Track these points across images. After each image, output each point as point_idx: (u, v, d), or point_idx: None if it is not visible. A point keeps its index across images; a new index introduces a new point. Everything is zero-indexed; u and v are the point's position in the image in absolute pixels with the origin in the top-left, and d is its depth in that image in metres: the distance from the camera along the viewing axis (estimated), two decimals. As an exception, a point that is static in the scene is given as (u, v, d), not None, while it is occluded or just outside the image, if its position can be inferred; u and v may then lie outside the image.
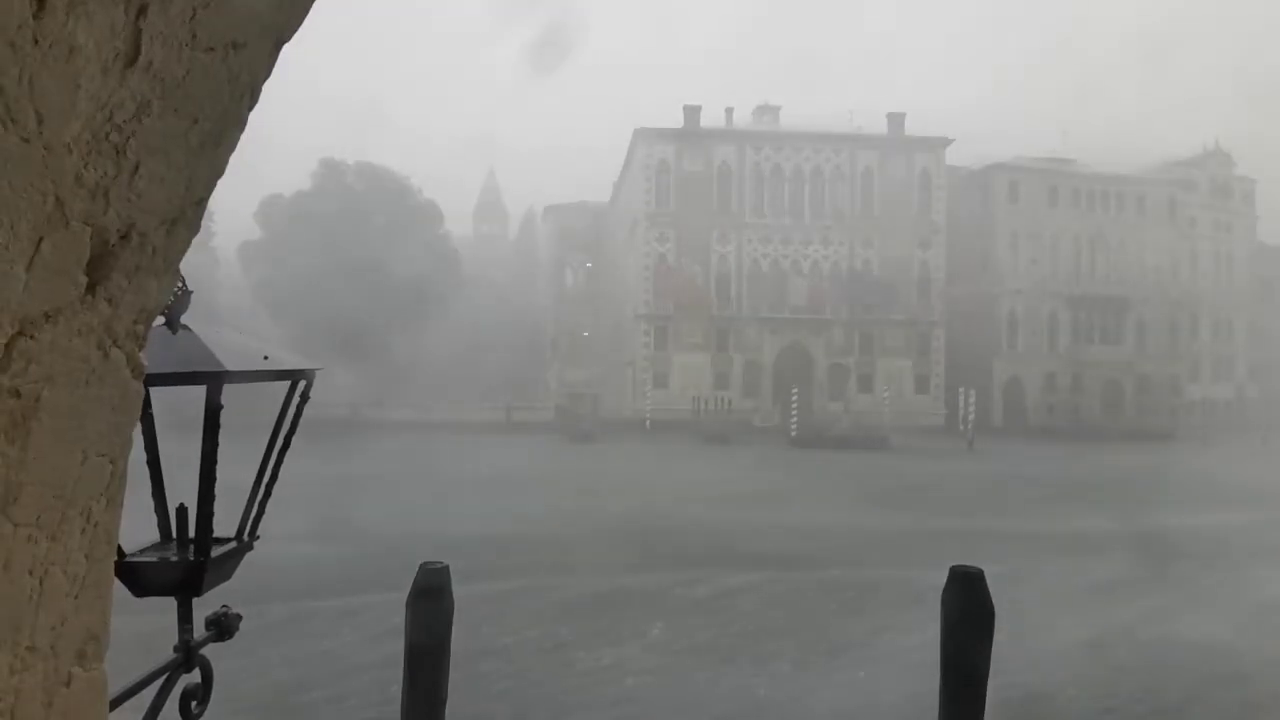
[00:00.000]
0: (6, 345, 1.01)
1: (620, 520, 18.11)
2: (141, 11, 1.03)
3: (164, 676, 1.63)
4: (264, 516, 1.89)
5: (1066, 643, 9.90)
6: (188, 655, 1.69)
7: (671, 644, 9.86)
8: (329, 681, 8.28)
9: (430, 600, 5.02)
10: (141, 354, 1.24)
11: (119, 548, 1.42)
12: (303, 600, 11.08)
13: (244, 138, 1.30)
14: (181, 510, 1.75)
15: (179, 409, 1.80)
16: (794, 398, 46.34)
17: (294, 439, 1.90)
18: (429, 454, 29.38)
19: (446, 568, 5.12)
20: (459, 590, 5.19)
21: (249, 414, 2.23)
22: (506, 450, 34.15)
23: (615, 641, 9.88)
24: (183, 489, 1.77)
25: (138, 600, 1.68)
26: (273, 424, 1.87)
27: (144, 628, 1.92)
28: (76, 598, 1.16)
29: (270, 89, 1.30)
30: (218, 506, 1.72)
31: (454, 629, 5.13)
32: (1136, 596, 12.29)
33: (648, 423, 46.58)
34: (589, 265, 70.00)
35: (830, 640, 10.15)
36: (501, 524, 16.91)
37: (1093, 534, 17.21)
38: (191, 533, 1.72)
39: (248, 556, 1.86)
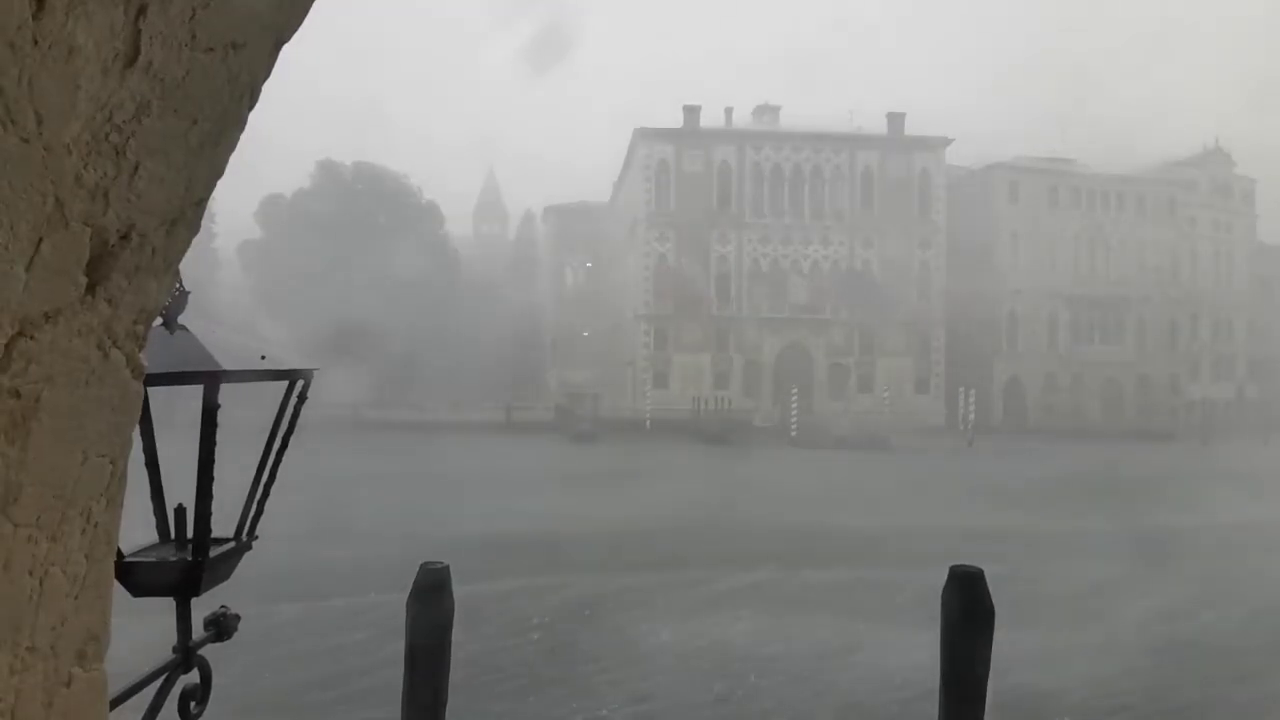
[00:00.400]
0: (6, 345, 1.01)
1: (621, 520, 18.08)
2: (141, 12, 1.03)
3: (163, 677, 1.62)
4: (262, 516, 1.89)
5: (1069, 643, 9.89)
6: (186, 656, 1.69)
7: (676, 644, 9.85)
8: (333, 681, 8.28)
9: (430, 600, 5.02)
10: (141, 354, 1.24)
11: (118, 548, 1.42)
12: (304, 600, 11.07)
13: (244, 138, 1.29)
14: (180, 510, 1.74)
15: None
16: (794, 398, 46.33)
17: (292, 439, 1.90)
18: (429, 454, 29.36)
19: (447, 568, 5.12)
20: (459, 590, 5.20)
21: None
22: (506, 450, 34.13)
23: (620, 641, 9.87)
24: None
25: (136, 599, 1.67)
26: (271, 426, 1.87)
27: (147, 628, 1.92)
28: (76, 598, 1.16)
29: (270, 89, 1.30)
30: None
31: (454, 629, 5.14)
32: (1140, 595, 12.27)
33: (648, 423, 46.53)
34: (589, 265, 70.01)
35: (833, 640, 10.14)
36: (502, 524, 16.90)
37: (1094, 533, 17.19)
38: (190, 533, 1.72)
39: (246, 557, 1.86)
